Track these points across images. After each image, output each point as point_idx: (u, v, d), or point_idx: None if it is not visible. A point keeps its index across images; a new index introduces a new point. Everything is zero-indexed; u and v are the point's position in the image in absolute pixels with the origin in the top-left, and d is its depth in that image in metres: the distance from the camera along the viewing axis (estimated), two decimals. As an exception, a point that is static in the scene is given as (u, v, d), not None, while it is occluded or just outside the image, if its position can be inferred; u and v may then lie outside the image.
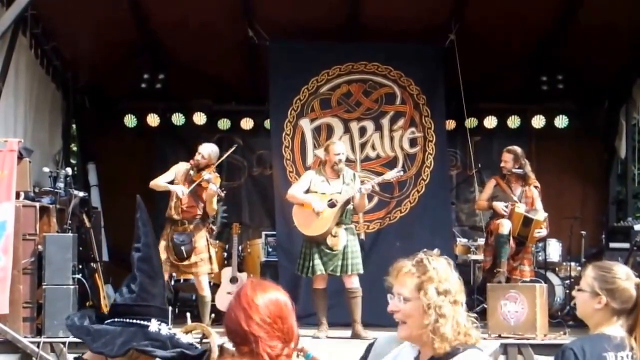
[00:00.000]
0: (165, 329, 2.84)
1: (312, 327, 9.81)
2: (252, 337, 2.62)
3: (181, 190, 9.52)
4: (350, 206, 9.62)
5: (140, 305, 2.85)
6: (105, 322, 2.89)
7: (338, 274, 9.55)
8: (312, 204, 9.53)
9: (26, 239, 8.62)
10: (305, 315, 10.62)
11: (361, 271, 9.61)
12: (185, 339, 2.83)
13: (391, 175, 10.09)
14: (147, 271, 2.90)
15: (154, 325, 2.83)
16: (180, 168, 9.80)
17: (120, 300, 2.90)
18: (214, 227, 10.28)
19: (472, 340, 3.06)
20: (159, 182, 9.67)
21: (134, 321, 2.83)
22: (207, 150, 9.77)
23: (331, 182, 9.64)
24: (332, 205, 9.49)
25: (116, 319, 2.86)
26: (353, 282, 9.58)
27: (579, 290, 3.81)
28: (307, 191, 9.70)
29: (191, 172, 9.65)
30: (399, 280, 3.12)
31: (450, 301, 3.04)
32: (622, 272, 3.70)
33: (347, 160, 11.16)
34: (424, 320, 3.03)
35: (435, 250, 3.24)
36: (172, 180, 9.71)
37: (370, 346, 3.93)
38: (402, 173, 10.46)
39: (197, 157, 9.66)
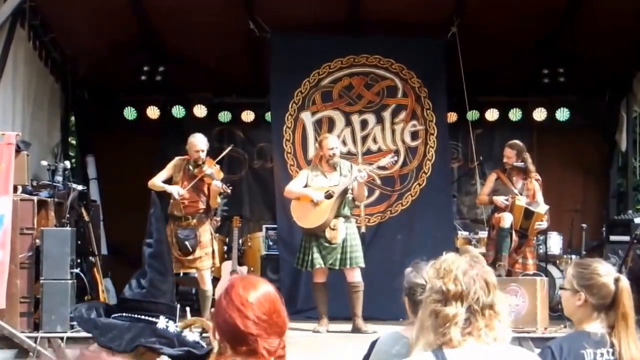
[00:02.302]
0: (172, 327, 2.82)
1: (313, 320, 9.85)
2: (250, 336, 2.60)
3: (177, 192, 9.38)
4: (350, 197, 9.63)
5: (149, 302, 2.83)
6: (113, 315, 2.87)
7: (337, 267, 9.56)
8: (310, 194, 9.56)
9: (24, 233, 8.61)
10: (306, 309, 10.66)
11: (362, 265, 9.63)
12: (192, 337, 2.82)
13: (385, 161, 10.16)
14: (157, 268, 2.89)
15: (162, 322, 2.80)
16: (177, 164, 9.64)
17: (129, 295, 2.88)
18: (218, 219, 10.20)
19: (441, 342, 2.73)
20: (156, 182, 9.48)
21: (142, 317, 2.82)
22: (203, 143, 9.58)
23: (328, 175, 9.68)
24: (329, 196, 9.51)
25: (124, 314, 2.84)
26: (355, 276, 9.59)
27: (561, 288, 3.91)
28: (305, 187, 9.72)
29: (190, 167, 9.50)
30: None
31: (431, 299, 2.75)
32: (600, 269, 3.72)
33: (349, 153, 11.18)
34: None
35: (471, 248, 3.12)
36: (169, 178, 9.57)
37: (373, 343, 3.97)
38: (395, 159, 10.50)
39: (198, 154, 9.44)
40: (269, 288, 2.75)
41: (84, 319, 2.86)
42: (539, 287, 9.07)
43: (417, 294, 3.67)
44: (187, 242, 9.40)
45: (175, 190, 9.41)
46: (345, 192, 9.53)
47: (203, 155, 9.49)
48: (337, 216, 9.56)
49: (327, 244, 9.52)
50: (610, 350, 3.59)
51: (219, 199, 9.66)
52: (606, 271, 3.72)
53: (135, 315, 2.82)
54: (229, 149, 10.41)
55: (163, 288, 2.87)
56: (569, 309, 3.81)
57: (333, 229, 9.51)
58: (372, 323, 9.58)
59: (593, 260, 3.84)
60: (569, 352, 3.62)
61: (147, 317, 2.82)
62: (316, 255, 9.52)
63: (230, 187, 9.50)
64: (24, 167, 8.96)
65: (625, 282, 3.68)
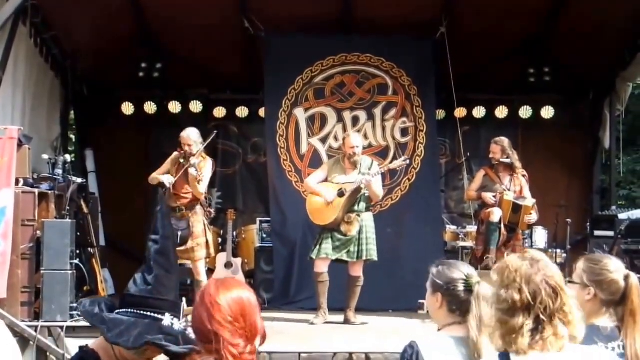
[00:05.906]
0: (177, 324, 2.88)
1: (305, 311, 10.03)
2: (215, 336, 2.60)
3: (167, 180, 9.48)
4: (367, 194, 9.62)
5: (155, 299, 2.88)
6: (117, 311, 2.92)
7: (355, 259, 9.54)
8: (323, 194, 9.60)
9: (25, 224, 8.59)
10: (298, 300, 10.83)
11: (375, 258, 9.63)
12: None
13: (397, 163, 10.19)
14: (163, 265, 2.94)
15: (167, 319, 2.86)
16: (174, 158, 9.74)
17: (135, 290, 2.93)
18: (212, 211, 10.27)
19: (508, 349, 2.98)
20: (153, 175, 9.67)
21: (148, 314, 2.88)
22: (192, 136, 9.64)
23: (348, 172, 9.67)
24: (341, 194, 9.54)
25: (130, 310, 2.90)
26: (359, 271, 9.62)
27: (570, 282, 3.80)
28: (325, 181, 9.75)
29: (181, 160, 9.59)
30: None
31: (498, 308, 2.96)
32: (611, 265, 3.76)
33: (340, 149, 11.34)
34: None
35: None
36: (166, 172, 9.67)
37: (412, 349, 3.49)
38: (408, 162, 10.56)
39: (187, 148, 9.54)
40: (243, 293, 2.70)
41: (91, 314, 2.91)
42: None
43: (457, 287, 3.53)
44: (179, 233, 9.44)
45: (166, 178, 9.51)
46: (357, 190, 9.52)
47: (193, 148, 9.54)
48: (350, 212, 9.56)
49: (341, 237, 9.50)
50: (621, 344, 3.59)
51: (201, 189, 9.50)
52: (616, 267, 3.74)
53: (141, 312, 2.87)
54: (213, 135, 10.26)
55: (169, 285, 2.93)
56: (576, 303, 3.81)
57: (347, 222, 9.50)
58: (361, 314, 9.69)
59: (603, 257, 3.87)
60: None
61: (153, 314, 2.87)
62: (325, 245, 9.48)
63: (201, 174, 9.42)
64: (25, 161, 8.96)
65: (634, 279, 3.69)
